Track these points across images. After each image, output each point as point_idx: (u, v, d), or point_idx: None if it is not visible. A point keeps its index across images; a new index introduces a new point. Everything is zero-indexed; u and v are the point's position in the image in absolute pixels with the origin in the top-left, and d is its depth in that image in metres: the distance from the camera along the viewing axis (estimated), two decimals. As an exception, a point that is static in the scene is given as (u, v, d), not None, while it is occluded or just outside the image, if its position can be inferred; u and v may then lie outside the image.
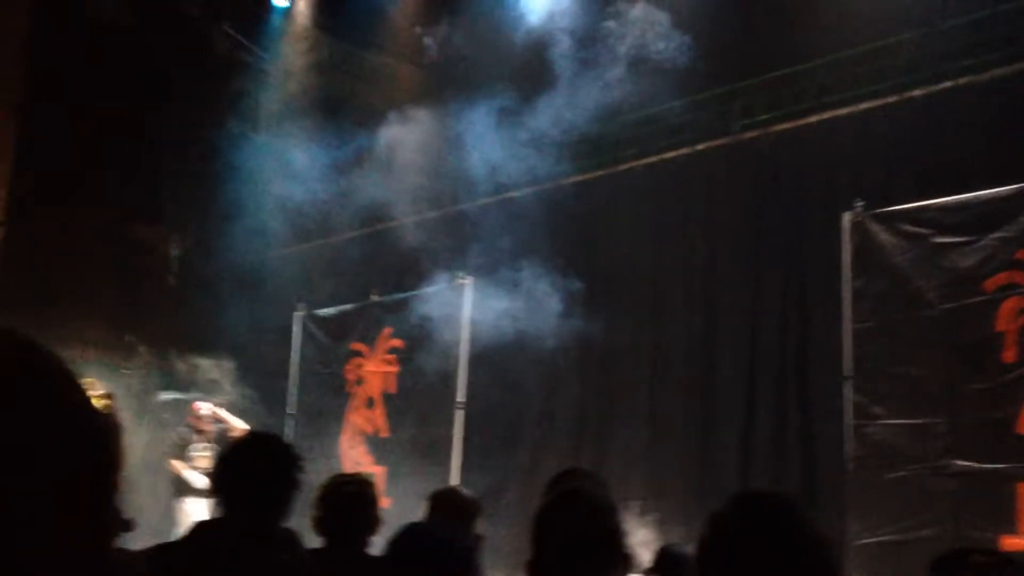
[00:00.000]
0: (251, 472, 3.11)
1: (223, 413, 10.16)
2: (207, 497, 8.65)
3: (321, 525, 3.89)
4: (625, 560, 2.68)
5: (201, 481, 9.22)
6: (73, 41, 12.08)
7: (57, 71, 11.95)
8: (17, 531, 0.80)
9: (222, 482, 3.15)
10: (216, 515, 3.15)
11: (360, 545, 3.87)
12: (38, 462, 0.82)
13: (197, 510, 8.98)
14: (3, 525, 0.80)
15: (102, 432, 0.90)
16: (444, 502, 4.49)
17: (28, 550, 0.80)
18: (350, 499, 3.92)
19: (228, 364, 12.04)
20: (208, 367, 12.02)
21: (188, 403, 10.59)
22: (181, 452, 9.79)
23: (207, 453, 9.60)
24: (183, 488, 9.60)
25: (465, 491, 4.88)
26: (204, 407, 10.11)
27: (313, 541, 3.80)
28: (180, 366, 12.11)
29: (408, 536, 2.83)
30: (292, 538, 3.22)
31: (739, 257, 9.60)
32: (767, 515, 1.68)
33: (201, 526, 3.17)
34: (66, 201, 12.31)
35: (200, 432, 9.86)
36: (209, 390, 11.59)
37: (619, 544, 2.66)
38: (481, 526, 4.49)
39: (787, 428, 8.90)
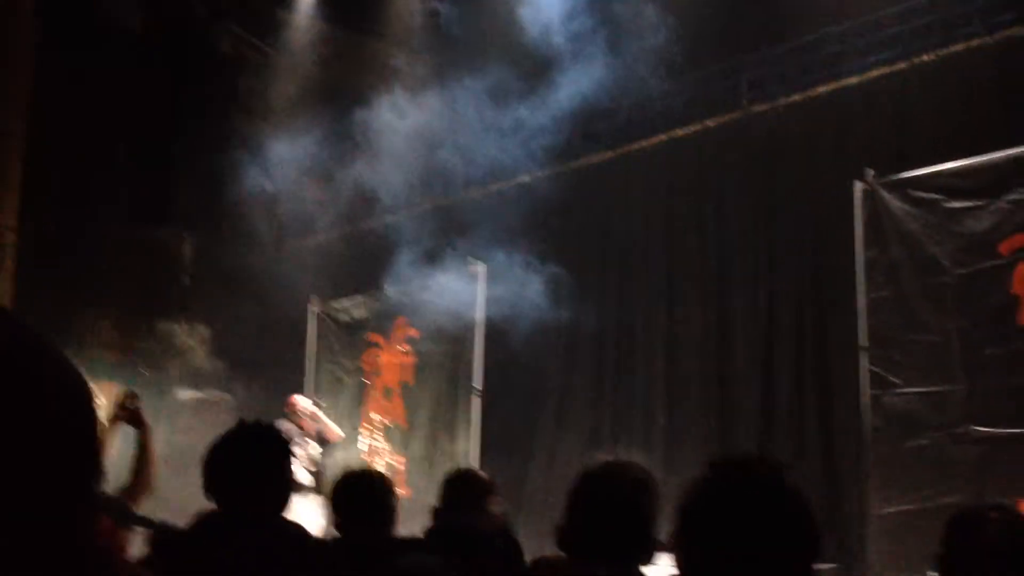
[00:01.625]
0: (240, 464, 3.06)
1: (320, 414, 9.98)
2: (311, 493, 8.60)
3: (334, 519, 3.89)
4: (653, 544, 2.63)
5: (306, 477, 9.03)
6: (82, 45, 12.10)
7: (66, 75, 11.96)
8: None
9: (212, 476, 3.08)
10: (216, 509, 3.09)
11: (374, 537, 3.86)
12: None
13: (303, 507, 8.26)
14: None
15: (77, 384, 0.76)
16: (458, 483, 4.49)
17: None
18: (361, 492, 3.91)
19: (203, 330, 11.89)
20: (180, 333, 11.88)
21: (206, 400, 10.56)
22: None
23: (310, 450, 9.45)
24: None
25: (478, 471, 4.89)
26: (302, 401, 9.88)
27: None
28: (152, 339, 11.93)
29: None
30: (298, 531, 3.18)
31: (752, 231, 9.55)
32: (748, 479, 1.62)
33: (201, 519, 3.12)
34: (78, 204, 12.36)
35: (300, 428, 9.53)
36: (187, 360, 11.45)
37: (650, 524, 2.61)
38: (498, 504, 4.48)
39: (806, 401, 8.87)
